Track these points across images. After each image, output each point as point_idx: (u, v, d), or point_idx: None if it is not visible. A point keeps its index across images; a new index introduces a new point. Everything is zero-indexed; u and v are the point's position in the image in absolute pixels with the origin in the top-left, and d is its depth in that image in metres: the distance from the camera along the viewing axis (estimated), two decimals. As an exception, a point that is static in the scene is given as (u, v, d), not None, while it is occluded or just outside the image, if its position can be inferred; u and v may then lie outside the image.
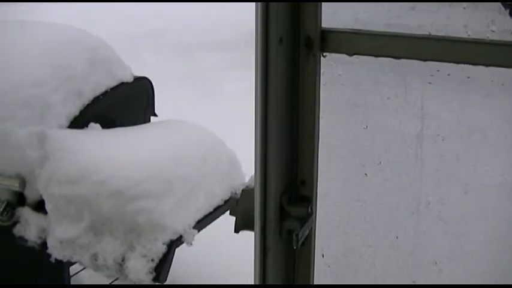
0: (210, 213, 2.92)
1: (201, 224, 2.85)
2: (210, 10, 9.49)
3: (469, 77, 1.28)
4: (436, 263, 1.39)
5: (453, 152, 1.35)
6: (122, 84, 3.27)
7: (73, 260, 2.73)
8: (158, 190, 2.74)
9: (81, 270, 3.17)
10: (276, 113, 1.26)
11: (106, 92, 3.18)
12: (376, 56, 1.31)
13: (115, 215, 2.68)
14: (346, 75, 1.37)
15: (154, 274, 2.60)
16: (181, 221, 2.75)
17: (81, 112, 3.04)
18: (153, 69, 6.50)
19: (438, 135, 1.35)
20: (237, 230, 1.42)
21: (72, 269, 3.03)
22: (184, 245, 2.74)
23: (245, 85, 3.35)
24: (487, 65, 1.24)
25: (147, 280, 2.60)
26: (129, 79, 3.33)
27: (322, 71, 1.33)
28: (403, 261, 1.42)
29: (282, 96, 1.28)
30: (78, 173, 2.76)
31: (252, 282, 1.31)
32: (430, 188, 1.37)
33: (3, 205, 2.82)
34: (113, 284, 3.29)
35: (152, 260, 2.60)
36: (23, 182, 2.84)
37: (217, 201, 2.98)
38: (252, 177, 1.31)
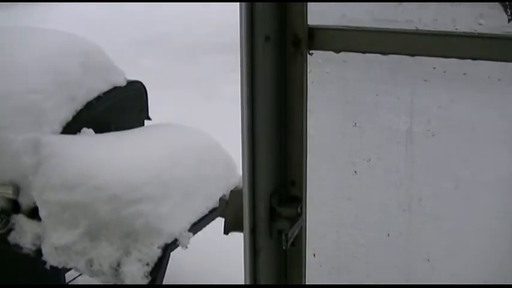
0: (206, 216, 2.91)
1: (197, 226, 2.84)
2: (210, 13, 9.49)
3: (465, 74, 1.27)
4: (428, 260, 1.38)
5: (444, 148, 1.34)
6: (115, 89, 3.27)
7: (68, 266, 2.72)
8: (155, 194, 2.73)
9: (77, 277, 3.15)
10: (263, 112, 1.24)
11: (99, 96, 3.17)
12: (364, 52, 1.30)
13: (112, 220, 2.67)
14: (334, 73, 1.35)
15: (150, 278, 2.59)
16: (177, 224, 2.74)
17: (74, 117, 3.04)
18: (154, 72, 6.50)
19: (428, 131, 1.33)
20: (226, 232, 1.41)
21: (68, 275, 3.01)
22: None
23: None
24: (475, 59, 1.23)
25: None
26: (122, 83, 3.32)
27: (309, 69, 1.32)
28: (395, 259, 1.41)
29: (269, 95, 1.26)
30: (74, 178, 2.75)
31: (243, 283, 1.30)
32: (421, 184, 1.35)
33: (-2, 213, 2.82)
34: (110, 284, 3.27)
35: (147, 264, 2.59)
36: (17, 189, 2.83)
37: (213, 203, 2.97)
38: (241, 177, 1.29)
